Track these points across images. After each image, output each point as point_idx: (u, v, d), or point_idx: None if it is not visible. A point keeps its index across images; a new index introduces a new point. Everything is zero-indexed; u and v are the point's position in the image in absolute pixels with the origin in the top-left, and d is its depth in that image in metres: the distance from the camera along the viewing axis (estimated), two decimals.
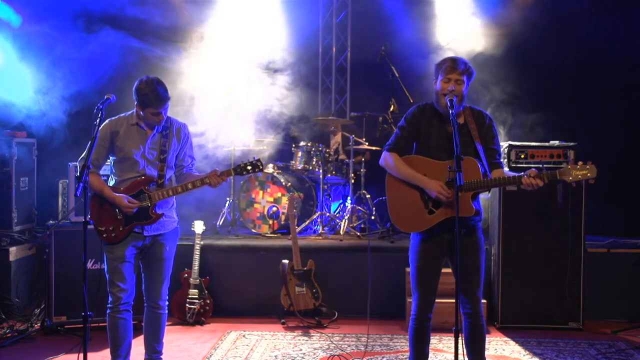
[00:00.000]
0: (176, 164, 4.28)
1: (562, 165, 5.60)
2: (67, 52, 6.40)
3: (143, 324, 4.34)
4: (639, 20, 7.12)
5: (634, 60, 7.01)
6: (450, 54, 6.94)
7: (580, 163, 3.58)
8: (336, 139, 7.53)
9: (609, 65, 7.15)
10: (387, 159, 3.88)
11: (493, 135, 3.87)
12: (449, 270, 3.96)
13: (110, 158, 4.19)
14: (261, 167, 4.21)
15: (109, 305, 4.13)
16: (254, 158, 4.21)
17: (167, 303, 4.31)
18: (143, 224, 4.11)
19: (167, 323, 4.37)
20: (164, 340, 4.35)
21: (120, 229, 4.09)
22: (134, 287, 4.19)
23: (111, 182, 4.20)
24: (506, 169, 5.69)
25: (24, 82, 6.31)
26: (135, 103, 4.08)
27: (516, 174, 3.69)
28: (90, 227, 3.84)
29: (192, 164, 4.36)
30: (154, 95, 3.99)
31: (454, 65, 3.75)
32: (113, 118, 4.19)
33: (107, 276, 4.14)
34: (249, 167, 4.17)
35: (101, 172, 4.22)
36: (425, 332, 3.87)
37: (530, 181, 3.58)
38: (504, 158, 5.78)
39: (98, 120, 3.85)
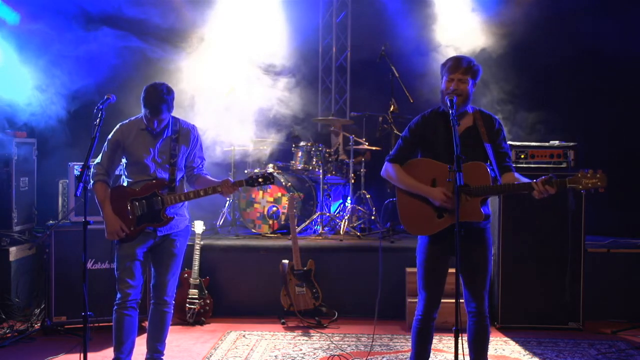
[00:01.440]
0: (186, 166, 4.31)
1: (562, 165, 5.71)
2: (65, 50, 6.37)
3: (147, 323, 4.35)
4: (639, 19, 7.12)
5: (635, 60, 7.00)
6: (450, 52, 6.93)
7: (590, 171, 3.52)
8: (338, 139, 7.53)
9: (610, 65, 7.15)
10: (389, 170, 3.87)
11: (502, 138, 3.85)
12: (452, 270, 3.95)
13: (123, 161, 4.23)
14: (272, 181, 4.29)
15: (116, 302, 4.15)
16: (266, 172, 4.29)
17: (173, 302, 4.32)
18: (155, 225, 4.16)
19: None
20: (165, 341, 4.35)
21: (132, 228, 4.12)
22: (141, 286, 4.21)
23: (124, 184, 4.25)
24: None
25: (23, 81, 6.29)
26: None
27: (527, 180, 3.62)
28: (92, 227, 3.85)
29: (202, 164, 4.39)
30: (152, 105, 4.03)
31: (456, 64, 3.72)
32: (124, 123, 4.23)
33: (116, 273, 4.16)
34: (260, 180, 4.25)
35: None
36: (429, 332, 3.89)
37: (540, 188, 3.50)
38: None
39: (98, 120, 3.87)
